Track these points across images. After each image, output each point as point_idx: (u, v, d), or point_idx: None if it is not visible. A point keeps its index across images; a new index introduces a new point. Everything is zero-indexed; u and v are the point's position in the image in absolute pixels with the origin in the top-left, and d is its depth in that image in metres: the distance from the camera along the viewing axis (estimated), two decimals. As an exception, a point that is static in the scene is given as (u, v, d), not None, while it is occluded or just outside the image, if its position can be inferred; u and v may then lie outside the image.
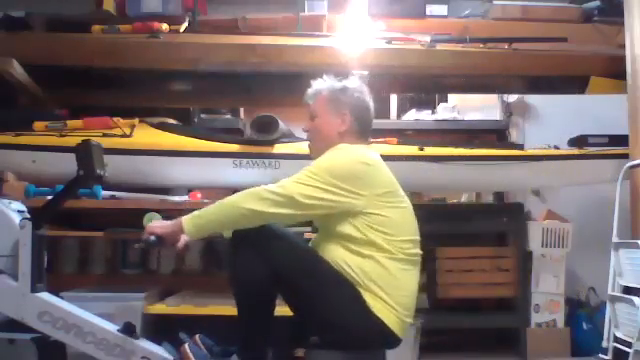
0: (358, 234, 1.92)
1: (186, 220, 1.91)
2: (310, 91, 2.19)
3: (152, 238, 1.93)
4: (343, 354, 1.90)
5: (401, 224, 1.97)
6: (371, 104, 2.15)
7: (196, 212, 1.93)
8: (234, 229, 1.95)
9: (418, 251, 2.02)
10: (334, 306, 1.90)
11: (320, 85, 2.17)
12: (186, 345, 2.01)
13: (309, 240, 2.21)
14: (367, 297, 1.89)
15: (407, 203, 2.04)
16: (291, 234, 2.02)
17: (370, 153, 2.04)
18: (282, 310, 2.04)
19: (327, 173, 1.93)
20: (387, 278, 1.91)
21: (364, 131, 2.13)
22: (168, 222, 1.96)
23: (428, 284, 3.40)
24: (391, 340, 1.93)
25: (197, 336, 2.10)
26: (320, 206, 1.91)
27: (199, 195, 3.21)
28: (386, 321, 1.89)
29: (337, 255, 1.94)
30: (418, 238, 2.03)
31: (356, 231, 1.92)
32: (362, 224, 1.92)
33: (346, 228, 1.93)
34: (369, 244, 1.92)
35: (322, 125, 2.13)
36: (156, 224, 1.98)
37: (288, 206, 1.89)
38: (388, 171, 2.04)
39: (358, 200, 1.91)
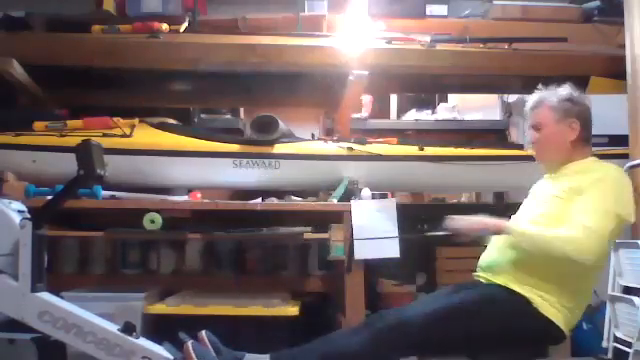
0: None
1: (514, 230, 2.03)
2: (532, 101, 2.22)
3: (483, 233, 2.10)
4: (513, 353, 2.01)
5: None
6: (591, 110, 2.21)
7: (526, 229, 2.03)
8: None
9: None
10: (509, 327, 1.99)
11: (544, 94, 2.20)
12: (189, 344, 2.01)
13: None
14: (536, 301, 1.98)
15: None
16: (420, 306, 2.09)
17: (623, 173, 2.14)
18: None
19: (622, 209, 2.01)
20: (561, 283, 2.00)
21: (590, 138, 2.20)
22: (495, 221, 2.07)
23: (428, 284, 3.40)
24: (559, 336, 2.02)
25: (203, 332, 2.11)
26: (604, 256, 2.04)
27: (199, 195, 3.21)
28: (554, 319, 1.97)
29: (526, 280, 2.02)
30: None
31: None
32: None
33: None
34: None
35: (551, 135, 2.17)
36: (484, 220, 2.09)
37: (599, 256, 1.98)
38: None
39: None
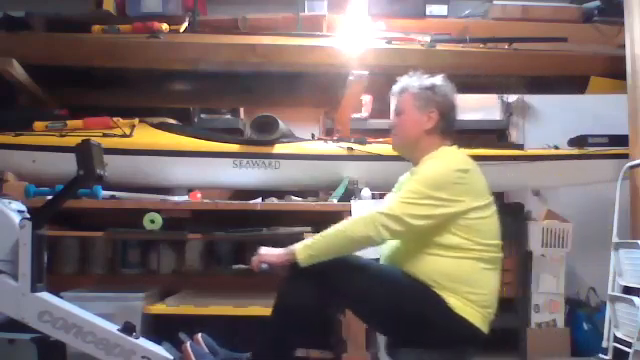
0: (446, 239, 1.97)
1: (299, 251, 1.96)
2: (397, 86, 2.21)
3: (264, 266, 2.02)
4: (430, 352, 1.95)
5: (489, 228, 2.03)
6: (456, 103, 2.19)
7: (308, 241, 1.99)
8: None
9: (500, 254, 2.06)
10: (416, 315, 1.94)
11: (408, 81, 2.19)
12: (188, 344, 2.01)
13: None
14: (449, 298, 1.93)
15: (494, 207, 2.09)
16: (353, 259, 2.04)
17: (465, 158, 2.09)
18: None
19: (432, 188, 1.97)
20: (468, 279, 1.95)
21: (449, 129, 2.17)
22: (280, 251, 2.01)
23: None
24: (476, 335, 1.97)
25: (199, 335, 2.11)
26: (429, 223, 1.95)
27: (199, 195, 3.21)
28: (470, 318, 1.93)
29: (417, 262, 1.98)
30: (501, 242, 2.07)
31: (444, 237, 1.97)
32: (452, 229, 1.97)
33: (434, 235, 1.97)
34: (455, 248, 1.96)
35: (408, 121, 2.15)
36: (268, 252, 2.03)
37: (400, 229, 1.94)
38: (481, 175, 2.09)
39: (459, 206, 1.96)
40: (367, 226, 1.94)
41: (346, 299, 2.05)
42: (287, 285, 2.01)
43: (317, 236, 1.98)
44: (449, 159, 2.06)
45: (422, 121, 2.12)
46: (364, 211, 2.01)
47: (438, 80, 2.17)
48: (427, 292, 1.94)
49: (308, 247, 1.96)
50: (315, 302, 1.95)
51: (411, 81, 2.18)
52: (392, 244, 2.10)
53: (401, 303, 1.95)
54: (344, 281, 1.97)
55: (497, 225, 2.07)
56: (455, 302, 1.93)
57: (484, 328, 1.97)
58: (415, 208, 1.94)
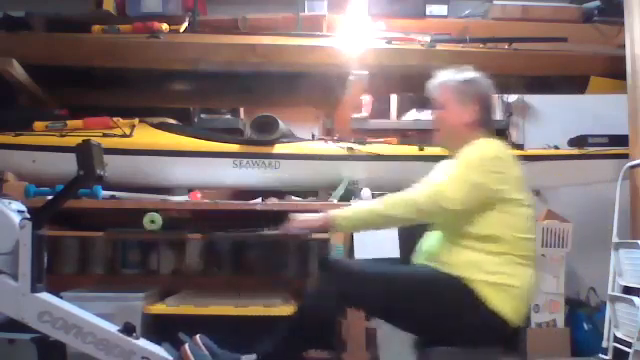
0: (481, 230, 1.98)
1: (337, 216, 2.00)
2: (435, 81, 2.22)
3: (297, 230, 2.08)
4: (461, 345, 1.95)
5: (525, 224, 2.03)
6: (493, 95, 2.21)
7: (348, 212, 2.02)
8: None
9: (534, 251, 2.06)
10: (447, 310, 1.94)
11: (446, 76, 2.20)
12: (186, 345, 2.01)
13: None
14: (482, 290, 1.93)
15: (531, 205, 2.09)
16: (377, 266, 2.09)
17: (503, 147, 2.11)
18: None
19: (472, 170, 1.99)
20: (502, 271, 1.96)
21: (488, 121, 2.20)
22: (316, 217, 2.04)
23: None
24: (506, 327, 1.96)
25: (197, 336, 2.11)
26: (466, 207, 1.95)
27: (199, 195, 3.21)
28: (501, 310, 1.93)
29: (452, 254, 2.00)
30: (534, 237, 2.09)
31: (480, 227, 1.98)
32: (489, 220, 1.98)
33: (470, 225, 1.99)
34: (490, 240, 1.97)
35: (449, 116, 2.17)
36: (305, 218, 2.06)
37: (438, 212, 1.96)
38: (518, 167, 2.10)
39: (497, 193, 1.98)
40: (407, 208, 1.95)
41: (376, 308, 2.07)
42: (315, 289, 2.03)
43: (356, 208, 2.02)
44: (486, 146, 2.07)
45: (463, 114, 2.14)
46: (404, 191, 1.99)
47: (476, 74, 2.19)
48: (457, 285, 1.94)
49: (346, 218, 2.00)
50: (339, 310, 1.98)
51: (449, 75, 2.20)
52: (429, 239, 2.12)
53: (431, 301, 1.95)
54: (372, 292, 1.97)
55: (534, 223, 2.10)
56: (487, 293, 1.93)
57: (515, 320, 1.97)
58: (456, 191, 1.95)
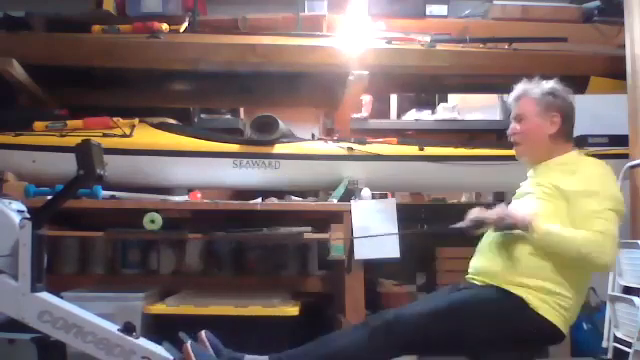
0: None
1: (539, 227, 1.98)
2: (515, 92, 2.22)
3: (508, 221, 2.02)
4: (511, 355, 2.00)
5: None
6: (575, 106, 2.20)
7: (551, 228, 1.99)
8: None
9: None
10: (504, 326, 1.98)
11: (526, 87, 2.20)
12: (188, 344, 2.01)
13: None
14: (533, 302, 1.97)
15: None
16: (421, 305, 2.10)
17: (608, 168, 2.12)
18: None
19: (618, 205, 2.06)
20: (560, 283, 2.00)
21: (571, 132, 2.18)
22: (524, 217, 2.01)
23: (428, 284, 3.40)
24: (556, 336, 2.01)
25: (203, 332, 2.10)
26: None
27: (199, 195, 3.21)
28: (551, 319, 1.97)
29: (511, 266, 2.03)
30: None
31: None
32: None
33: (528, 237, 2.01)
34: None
35: (531, 128, 2.16)
36: (513, 213, 2.04)
37: (613, 255, 1.99)
38: None
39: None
40: (597, 252, 1.94)
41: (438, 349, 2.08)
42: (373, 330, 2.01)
43: (559, 230, 1.98)
44: (605, 170, 2.10)
45: (545, 126, 2.14)
46: (597, 235, 1.97)
47: (556, 84, 2.18)
48: (508, 300, 1.98)
49: (547, 233, 1.97)
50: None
51: (530, 86, 2.19)
52: (486, 254, 2.14)
53: (487, 321, 1.99)
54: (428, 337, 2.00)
55: None
56: (539, 304, 1.97)
57: (564, 330, 2.01)
58: (614, 232, 1.99)
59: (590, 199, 2.01)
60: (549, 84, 2.18)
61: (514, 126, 2.20)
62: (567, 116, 2.16)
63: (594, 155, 3.21)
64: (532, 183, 2.17)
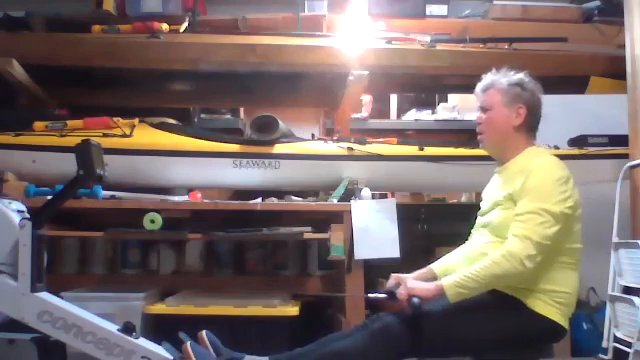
0: None
1: (450, 288, 1.95)
2: (482, 83, 2.20)
3: (416, 300, 1.97)
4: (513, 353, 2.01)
5: (577, 235, 2.09)
6: (542, 100, 2.18)
7: (458, 280, 1.96)
8: None
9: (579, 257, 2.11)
10: (501, 331, 1.99)
11: (494, 78, 2.18)
12: (188, 344, 2.01)
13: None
14: (532, 302, 1.98)
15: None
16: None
17: (562, 165, 2.09)
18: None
19: (554, 206, 1.98)
20: (552, 278, 2.00)
21: (536, 126, 2.17)
22: (429, 286, 2.00)
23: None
24: (558, 331, 2.02)
25: (203, 332, 2.10)
26: (557, 238, 1.98)
27: (199, 195, 3.21)
28: (551, 316, 1.98)
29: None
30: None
31: None
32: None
33: None
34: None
35: (496, 118, 2.15)
36: (418, 286, 2.01)
37: (540, 254, 1.95)
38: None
39: (570, 218, 2.02)
40: (512, 262, 1.92)
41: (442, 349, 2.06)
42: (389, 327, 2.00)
43: (466, 275, 1.96)
44: (553, 169, 2.05)
45: (511, 117, 2.12)
46: (498, 250, 1.97)
47: (524, 76, 2.16)
48: (505, 302, 1.99)
49: (460, 287, 1.95)
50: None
51: (497, 77, 2.17)
52: (474, 254, 2.12)
53: (490, 322, 1.99)
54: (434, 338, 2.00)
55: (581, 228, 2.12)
56: (535, 302, 1.98)
57: (565, 324, 2.02)
58: (545, 231, 1.95)
59: (523, 200, 2.01)
60: (517, 76, 2.16)
61: (480, 115, 2.19)
62: (533, 109, 2.14)
63: (594, 155, 3.26)
64: (496, 189, 2.18)
